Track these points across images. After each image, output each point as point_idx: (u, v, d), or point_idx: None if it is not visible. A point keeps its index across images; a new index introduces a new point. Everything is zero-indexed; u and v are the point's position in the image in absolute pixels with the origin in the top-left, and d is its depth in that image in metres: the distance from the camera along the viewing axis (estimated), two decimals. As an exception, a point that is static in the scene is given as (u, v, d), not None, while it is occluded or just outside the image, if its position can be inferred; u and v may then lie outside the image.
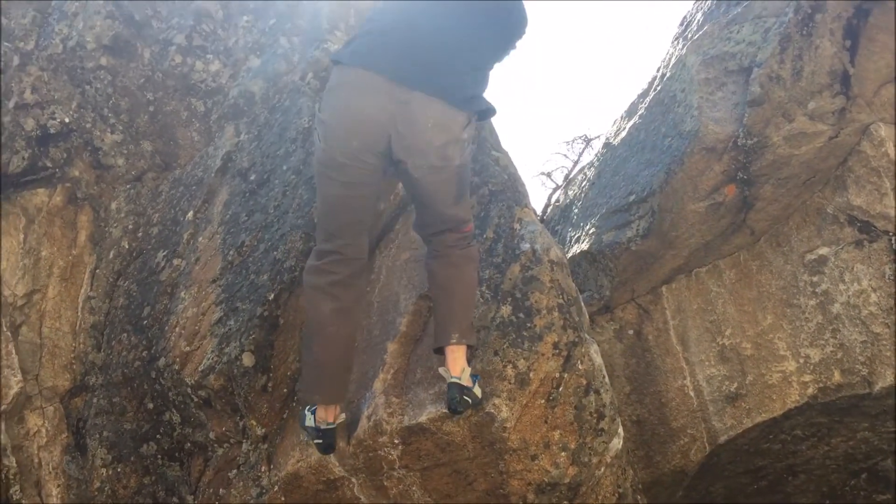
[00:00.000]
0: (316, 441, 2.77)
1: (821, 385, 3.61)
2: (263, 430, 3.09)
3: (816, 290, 3.66)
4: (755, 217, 3.72)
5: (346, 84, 2.61)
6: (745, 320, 3.78)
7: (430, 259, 2.80)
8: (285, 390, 3.10)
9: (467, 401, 2.63)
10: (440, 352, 2.73)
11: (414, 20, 2.63)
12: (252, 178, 3.55)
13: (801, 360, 3.65)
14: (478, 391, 2.70)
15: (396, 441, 2.84)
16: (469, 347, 2.73)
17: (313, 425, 2.76)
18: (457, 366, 2.64)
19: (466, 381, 2.63)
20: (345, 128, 2.57)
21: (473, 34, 2.65)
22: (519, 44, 2.79)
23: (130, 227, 3.80)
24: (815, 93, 3.49)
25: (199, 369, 3.13)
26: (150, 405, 3.37)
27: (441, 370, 2.69)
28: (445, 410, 2.68)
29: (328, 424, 2.76)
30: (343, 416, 2.83)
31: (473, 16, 2.64)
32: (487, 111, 2.77)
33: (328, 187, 2.67)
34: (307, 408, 2.81)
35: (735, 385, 3.74)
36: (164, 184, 3.90)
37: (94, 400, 3.50)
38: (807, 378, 3.63)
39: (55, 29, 3.88)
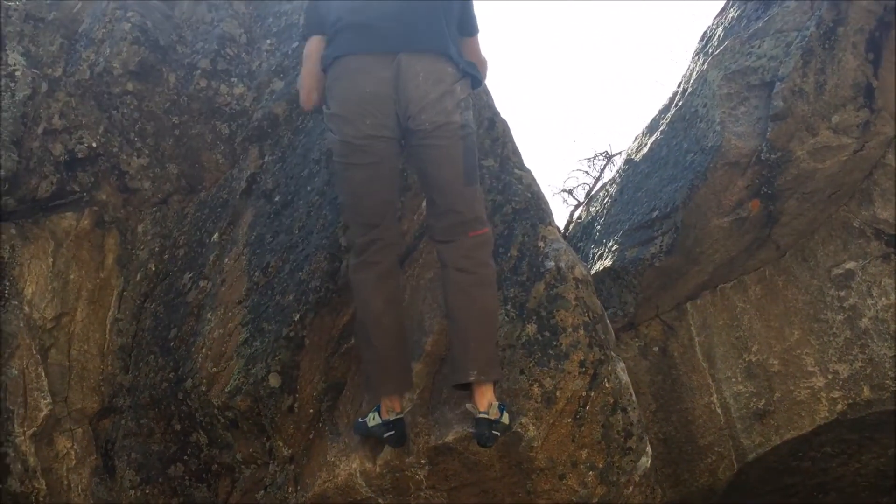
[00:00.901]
0: (387, 435, 2.75)
1: (850, 401, 3.57)
2: (290, 451, 3.10)
3: (844, 305, 3.62)
4: (780, 232, 3.70)
5: (342, 74, 2.74)
6: (771, 336, 3.74)
7: (443, 282, 2.78)
8: (311, 411, 3.11)
9: (496, 434, 2.61)
10: (463, 387, 2.71)
11: None
12: (276, 199, 3.58)
13: (830, 376, 3.60)
14: (506, 419, 2.65)
15: (423, 461, 2.83)
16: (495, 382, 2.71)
17: (380, 421, 2.77)
18: (483, 400, 2.62)
19: (494, 413, 2.60)
20: (354, 112, 2.70)
21: None
22: None
23: (157, 249, 3.84)
24: (838, 106, 3.47)
25: (226, 390, 3.15)
26: (178, 426, 3.39)
27: (468, 406, 2.66)
28: (472, 430, 2.68)
29: (397, 414, 2.77)
30: (409, 402, 2.83)
31: None
32: (477, 78, 2.90)
33: (354, 175, 2.76)
34: (368, 414, 2.83)
35: (763, 402, 3.70)
36: (190, 206, 3.93)
37: (122, 422, 3.53)
38: (836, 394, 3.59)
39: (82, 55, 3.94)
